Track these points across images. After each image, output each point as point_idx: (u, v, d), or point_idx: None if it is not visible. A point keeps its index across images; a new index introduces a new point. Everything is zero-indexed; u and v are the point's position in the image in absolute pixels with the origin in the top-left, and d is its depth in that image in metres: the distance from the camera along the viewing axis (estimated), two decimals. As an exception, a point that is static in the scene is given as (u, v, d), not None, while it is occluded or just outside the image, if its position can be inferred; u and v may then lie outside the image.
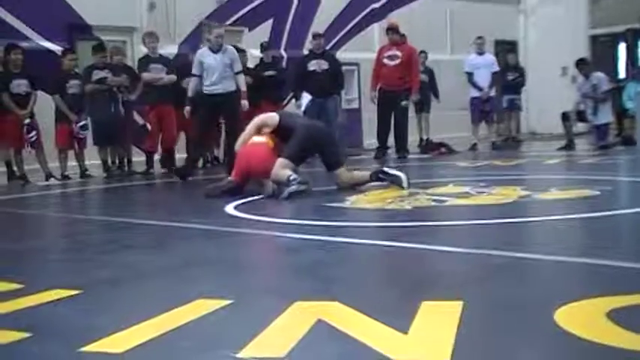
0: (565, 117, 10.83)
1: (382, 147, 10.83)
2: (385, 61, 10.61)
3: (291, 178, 5.69)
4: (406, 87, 10.59)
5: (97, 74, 9.45)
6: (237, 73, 8.56)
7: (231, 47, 8.97)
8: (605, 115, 10.64)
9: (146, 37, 9.95)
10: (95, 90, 9.38)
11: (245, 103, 8.55)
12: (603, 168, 7.53)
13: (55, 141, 9.31)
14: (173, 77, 9.77)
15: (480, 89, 11.69)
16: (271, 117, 6.38)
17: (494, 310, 2.20)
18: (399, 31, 10.92)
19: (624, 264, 2.75)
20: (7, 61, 8.99)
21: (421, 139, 12.33)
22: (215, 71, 8.44)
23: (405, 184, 5.90)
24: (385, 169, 6.22)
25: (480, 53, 11.91)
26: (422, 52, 12.36)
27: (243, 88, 8.59)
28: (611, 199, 4.93)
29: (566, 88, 11.64)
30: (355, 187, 6.18)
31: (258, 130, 6.31)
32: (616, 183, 6.05)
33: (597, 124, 10.64)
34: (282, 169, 5.88)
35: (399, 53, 10.55)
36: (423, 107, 12.36)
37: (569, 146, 10.56)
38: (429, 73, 12.57)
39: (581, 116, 10.85)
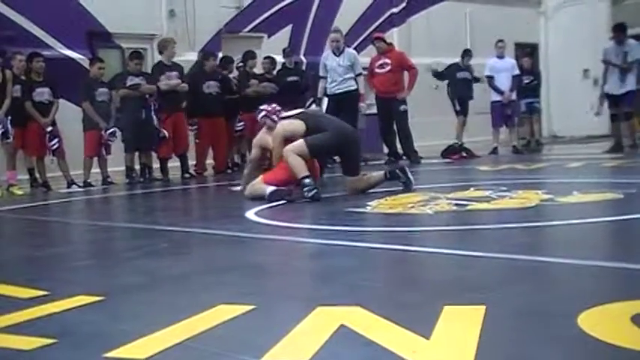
0: (627, 115, 10.69)
1: (392, 154, 10.91)
2: (377, 70, 10.82)
3: (307, 182, 5.73)
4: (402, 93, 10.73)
5: (132, 80, 9.56)
6: (357, 75, 9.57)
7: (352, 50, 10.01)
8: (632, 83, 10.47)
9: (169, 44, 10.04)
10: (127, 95, 9.47)
11: (363, 105, 9.72)
12: (627, 171, 7.46)
13: (85, 149, 9.36)
14: (185, 86, 9.90)
15: (500, 93, 11.67)
16: (297, 127, 6.18)
17: (517, 315, 2.19)
18: (385, 40, 11.20)
19: (649, 268, 2.73)
20: (30, 70, 9.10)
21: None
22: (335, 72, 9.49)
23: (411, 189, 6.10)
24: (406, 168, 6.25)
25: (501, 57, 11.87)
26: (467, 50, 12.28)
27: (362, 89, 9.66)
28: (635, 203, 4.88)
29: (587, 90, 11.55)
30: (367, 189, 6.26)
31: (285, 141, 6.18)
32: None
33: (624, 92, 10.48)
34: (296, 154, 5.89)
35: (388, 61, 10.72)
36: (464, 110, 12.20)
37: (618, 148, 10.42)
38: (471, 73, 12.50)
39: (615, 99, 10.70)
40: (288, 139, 6.14)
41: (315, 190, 5.71)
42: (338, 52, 9.57)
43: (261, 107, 6.84)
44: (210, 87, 10.28)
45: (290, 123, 6.28)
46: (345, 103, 9.08)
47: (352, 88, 9.50)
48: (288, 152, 5.92)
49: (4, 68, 8.83)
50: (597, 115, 11.38)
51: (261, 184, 6.07)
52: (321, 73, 9.78)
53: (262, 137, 6.51)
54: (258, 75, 11.04)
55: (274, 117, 6.58)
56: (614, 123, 10.83)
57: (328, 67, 9.60)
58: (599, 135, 11.94)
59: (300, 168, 5.86)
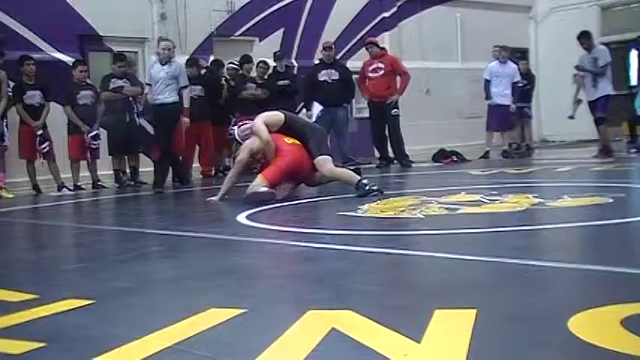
0: (599, 121, 10.76)
1: (383, 158, 10.94)
2: (370, 74, 10.84)
3: (365, 182, 6.18)
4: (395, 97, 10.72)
5: (115, 83, 9.54)
6: (181, 88, 8.81)
7: (179, 62, 9.29)
8: (605, 88, 10.56)
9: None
10: (111, 98, 9.46)
11: (186, 120, 8.88)
12: (616, 175, 7.50)
13: (68, 152, 9.37)
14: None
15: (489, 98, 11.64)
16: (274, 117, 6.64)
17: (508, 318, 2.19)
18: (378, 44, 11.20)
19: (637, 271, 2.74)
20: (21, 73, 9.07)
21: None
22: (159, 82, 8.74)
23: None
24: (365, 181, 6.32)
25: (503, 62, 11.77)
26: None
27: (186, 104, 8.86)
28: (623, 207, 4.91)
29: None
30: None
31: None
32: (629, 190, 6.03)
33: (598, 97, 10.55)
34: (333, 166, 6.56)
35: (381, 65, 10.75)
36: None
37: (605, 152, 10.48)
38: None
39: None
40: (269, 125, 6.52)
41: (374, 185, 6.19)
42: (167, 60, 8.83)
43: (236, 125, 7.20)
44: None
45: (267, 114, 6.72)
46: (164, 115, 8.69)
47: (171, 100, 8.77)
48: (332, 171, 6.49)
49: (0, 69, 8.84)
50: (571, 118, 11.43)
51: (257, 183, 6.16)
52: (147, 80, 9.16)
53: (253, 141, 6.51)
54: (251, 78, 11.05)
55: (248, 122, 6.83)
56: (599, 127, 10.90)
57: (153, 76, 8.84)
58: (589, 139, 11.98)
59: (352, 176, 6.37)
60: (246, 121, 6.90)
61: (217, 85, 10.69)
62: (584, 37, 10.75)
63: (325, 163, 6.47)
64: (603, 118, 10.54)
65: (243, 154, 6.52)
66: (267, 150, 6.39)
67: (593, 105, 10.64)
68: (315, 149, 6.50)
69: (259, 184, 6.13)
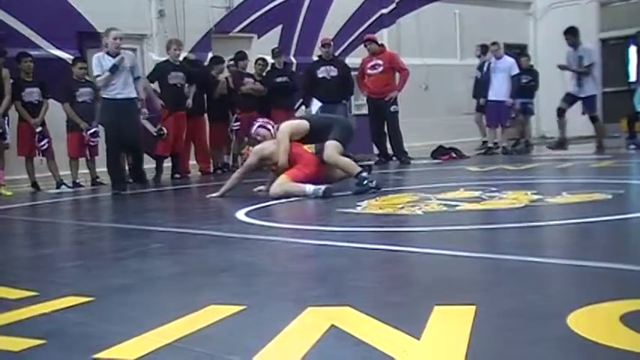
0: (560, 111, 10.83)
1: (382, 155, 10.93)
2: (369, 71, 10.81)
3: (365, 175, 6.18)
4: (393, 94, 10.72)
5: None
6: (136, 79, 8.34)
7: (130, 52, 8.85)
8: (591, 87, 10.65)
9: (171, 45, 10.06)
10: None
11: (145, 111, 8.65)
12: (615, 172, 7.49)
13: (67, 150, 9.36)
14: (192, 89, 9.96)
15: (484, 97, 11.65)
16: (301, 124, 6.64)
17: (507, 315, 2.19)
18: (377, 41, 11.15)
19: (637, 268, 2.74)
20: (19, 70, 9.06)
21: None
22: (120, 77, 8.12)
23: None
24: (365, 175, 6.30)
25: (498, 57, 11.76)
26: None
27: (142, 95, 8.46)
28: (623, 203, 4.90)
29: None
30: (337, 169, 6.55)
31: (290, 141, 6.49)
32: (628, 186, 6.02)
33: (584, 97, 10.64)
34: (338, 153, 6.37)
35: (380, 62, 10.70)
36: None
37: (561, 145, 10.58)
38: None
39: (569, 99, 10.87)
40: (293, 135, 6.48)
41: (373, 181, 6.15)
42: (115, 52, 8.13)
43: (257, 121, 7.11)
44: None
45: (292, 122, 6.73)
46: (126, 110, 8.12)
47: (134, 95, 8.24)
48: (334, 156, 6.33)
49: (2, 67, 8.81)
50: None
51: (293, 184, 6.16)
52: (96, 72, 8.20)
53: (265, 147, 6.53)
54: (249, 74, 11.05)
55: (269, 126, 6.83)
56: (559, 118, 10.92)
57: (104, 68, 8.07)
58: (588, 136, 11.98)
59: (353, 165, 6.34)
60: (267, 122, 6.92)
61: (208, 79, 10.66)
62: (570, 34, 10.75)
63: (327, 148, 6.42)
64: (596, 116, 10.60)
65: (252, 158, 6.55)
66: (280, 157, 6.38)
67: (575, 99, 10.72)
68: (332, 135, 6.47)
69: (284, 183, 6.20)
